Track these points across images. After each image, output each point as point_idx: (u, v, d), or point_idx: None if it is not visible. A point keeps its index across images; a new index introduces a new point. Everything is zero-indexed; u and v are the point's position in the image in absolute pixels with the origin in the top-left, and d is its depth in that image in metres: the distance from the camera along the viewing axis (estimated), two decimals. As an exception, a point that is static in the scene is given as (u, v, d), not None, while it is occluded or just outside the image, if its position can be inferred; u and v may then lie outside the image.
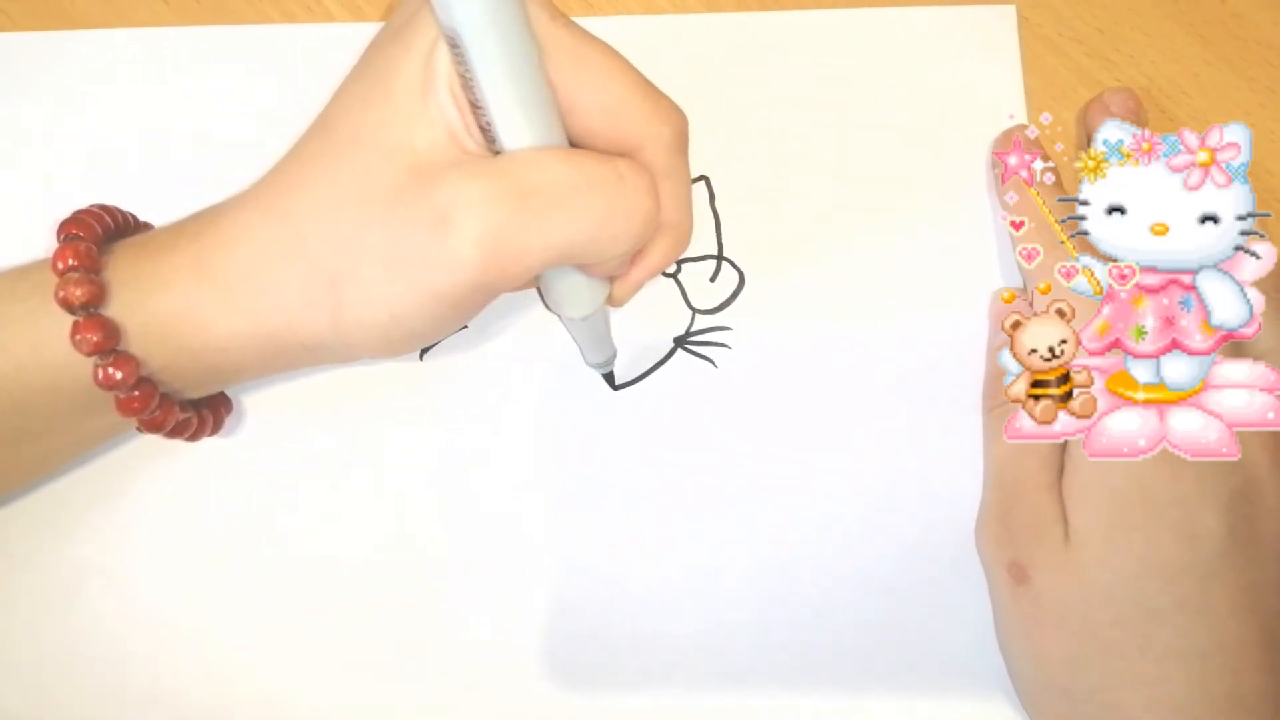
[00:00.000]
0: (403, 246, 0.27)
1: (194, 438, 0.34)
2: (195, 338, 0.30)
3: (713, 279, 0.38)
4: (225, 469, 0.37)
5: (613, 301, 0.33)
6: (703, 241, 0.39)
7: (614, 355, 0.36)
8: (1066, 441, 0.34)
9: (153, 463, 0.37)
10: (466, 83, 0.27)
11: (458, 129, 0.28)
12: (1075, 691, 0.32)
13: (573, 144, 0.29)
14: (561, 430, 0.37)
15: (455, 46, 0.26)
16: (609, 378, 0.38)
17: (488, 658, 0.36)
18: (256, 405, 0.38)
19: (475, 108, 0.27)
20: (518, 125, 0.27)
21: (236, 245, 0.30)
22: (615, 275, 0.32)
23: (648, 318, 0.38)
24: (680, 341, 0.38)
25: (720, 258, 0.39)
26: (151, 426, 0.32)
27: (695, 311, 0.38)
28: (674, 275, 0.39)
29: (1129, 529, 0.32)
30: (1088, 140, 0.39)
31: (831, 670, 0.35)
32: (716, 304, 0.38)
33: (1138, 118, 0.39)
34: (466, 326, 0.38)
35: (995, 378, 0.36)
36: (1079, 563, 0.32)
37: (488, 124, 0.27)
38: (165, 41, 0.40)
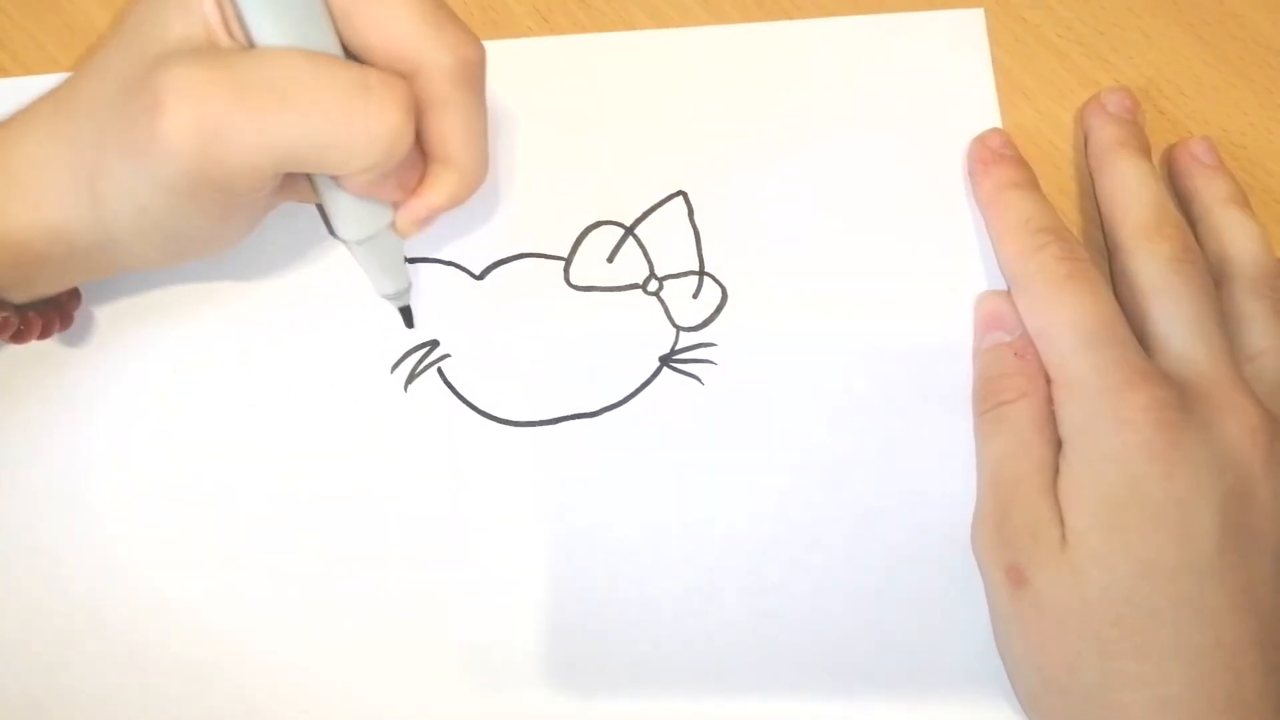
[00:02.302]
0: (130, 133, 0.28)
1: (18, 339, 0.34)
2: None
3: (695, 295, 0.39)
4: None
5: (398, 231, 0.32)
6: (683, 257, 0.39)
7: (406, 289, 0.36)
8: (1060, 444, 0.34)
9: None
10: None
11: (215, 26, 0.28)
12: (1074, 692, 0.32)
13: (355, 59, 0.29)
14: (554, 450, 0.38)
15: None
16: (405, 314, 0.37)
17: (483, 673, 0.36)
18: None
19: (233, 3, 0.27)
20: (266, 23, 0.27)
21: (24, 135, 0.31)
22: (392, 200, 0.31)
23: (633, 337, 0.39)
24: (666, 360, 0.38)
25: (702, 273, 0.39)
26: None
27: (679, 329, 0.39)
28: (656, 293, 0.39)
29: (1125, 530, 0.32)
30: (1085, 140, 0.39)
31: (831, 677, 0.36)
32: (700, 320, 0.39)
33: (1134, 117, 0.39)
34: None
35: (985, 380, 0.37)
36: (1076, 564, 0.32)
37: (240, 19, 0.27)
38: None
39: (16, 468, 0.38)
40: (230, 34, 0.28)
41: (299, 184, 0.32)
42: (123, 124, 0.28)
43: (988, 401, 0.36)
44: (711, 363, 0.38)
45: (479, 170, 0.32)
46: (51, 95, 0.32)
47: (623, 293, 0.39)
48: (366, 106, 0.27)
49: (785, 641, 0.36)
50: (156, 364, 0.39)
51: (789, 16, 0.41)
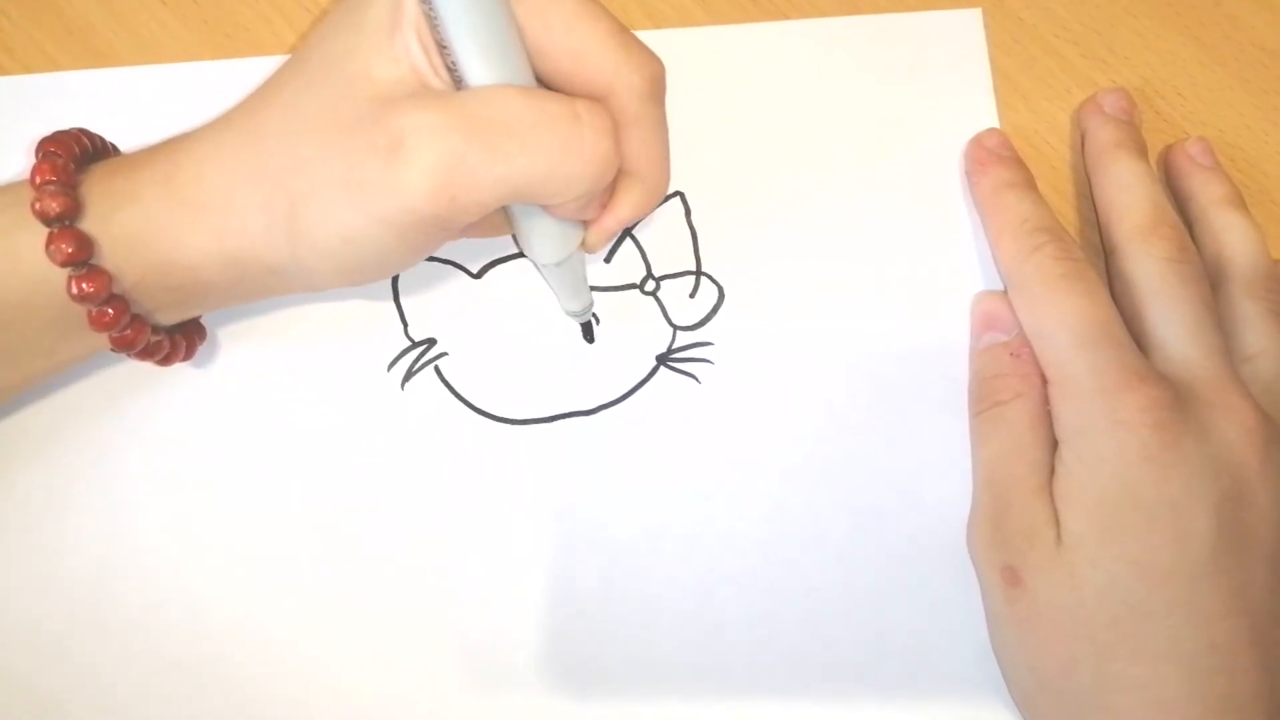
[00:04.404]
0: (357, 171, 0.28)
1: (165, 362, 0.35)
2: (164, 254, 0.32)
3: (692, 295, 0.39)
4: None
5: (587, 248, 0.34)
6: (681, 257, 0.39)
7: (590, 304, 0.37)
8: (1056, 444, 0.34)
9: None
10: (431, 21, 0.28)
11: (422, 67, 0.29)
12: (1069, 694, 0.32)
13: (545, 86, 0.30)
14: (551, 448, 0.38)
15: None
16: (586, 329, 0.38)
17: (479, 672, 0.36)
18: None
19: (441, 47, 0.28)
20: (478, 63, 0.28)
21: (206, 164, 0.32)
22: (586, 219, 0.32)
23: (629, 336, 0.39)
24: (663, 359, 0.38)
25: (699, 273, 0.39)
26: (122, 345, 0.33)
27: (676, 328, 0.39)
28: (654, 293, 0.39)
29: (1120, 532, 0.32)
30: (1082, 141, 0.39)
31: (827, 677, 0.36)
32: (697, 320, 0.39)
33: (1131, 118, 0.39)
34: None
35: (981, 380, 0.36)
36: (1071, 566, 0.32)
37: (452, 63, 0.28)
38: (181, 77, 0.42)
39: (14, 468, 0.38)
40: (436, 75, 0.29)
41: (486, 220, 0.33)
42: (344, 161, 0.29)
43: (984, 402, 0.36)
44: (708, 362, 0.38)
45: (665, 180, 0.32)
46: (228, 126, 0.32)
47: (620, 292, 0.39)
48: (581, 137, 0.28)
49: (781, 642, 0.36)
50: (149, 363, 0.39)
51: (786, 17, 0.41)
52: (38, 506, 0.38)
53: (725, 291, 0.39)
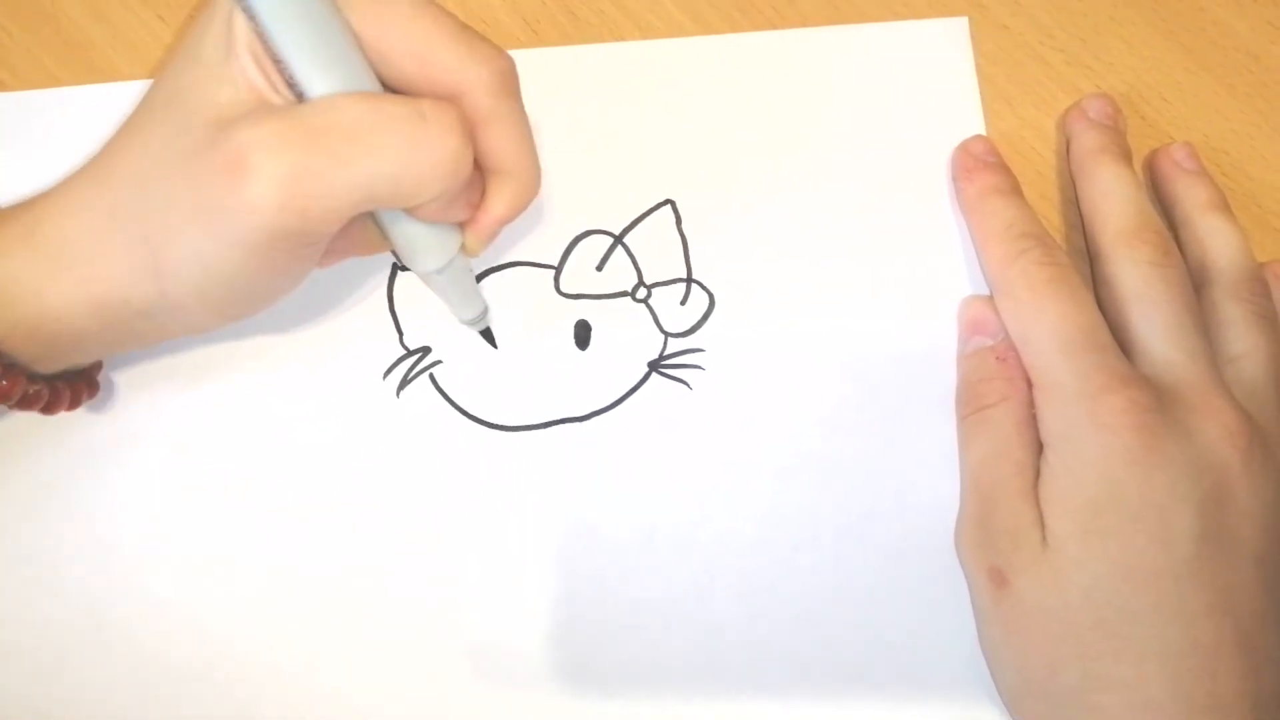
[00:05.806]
0: (204, 198, 0.28)
1: (48, 410, 0.35)
2: (30, 306, 0.31)
3: (683, 302, 0.39)
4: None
5: (468, 251, 0.33)
6: (671, 265, 0.39)
7: (485, 310, 0.37)
8: (1042, 447, 0.34)
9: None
10: (261, 37, 0.27)
11: (262, 86, 0.29)
12: (1055, 694, 0.33)
13: (394, 92, 0.30)
14: (544, 454, 0.38)
15: (240, 3, 0.27)
16: (487, 335, 0.38)
17: (474, 675, 0.36)
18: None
19: (277, 62, 0.28)
20: (314, 74, 0.28)
21: (65, 214, 0.31)
22: (459, 221, 0.32)
23: (621, 343, 0.39)
24: (655, 365, 0.38)
25: (689, 280, 0.39)
26: None
27: (667, 335, 0.39)
28: (645, 300, 0.39)
29: (1105, 533, 0.32)
30: (1067, 147, 0.40)
31: (820, 677, 0.36)
32: (688, 326, 0.39)
33: (1116, 123, 0.39)
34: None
35: (967, 384, 0.37)
36: (1057, 567, 0.32)
37: (290, 77, 0.28)
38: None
39: (11, 473, 0.38)
40: (277, 92, 0.29)
41: (361, 236, 0.33)
42: (191, 189, 0.28)
43: (970, 405, 0.36)
44: (699, 368, 0.38)
45: (534, 174, 0.32)
46: (84, 174, 0.32)
47: (612, 300, 0.39)
48: (427, 134, 0.28)
49: (775, 643, 0.36)
50: (146, 370, 0.39)
51: (774, 27, 0.42)
52: (33, 514, 0.38)
53: (715, 298, 0.39)
